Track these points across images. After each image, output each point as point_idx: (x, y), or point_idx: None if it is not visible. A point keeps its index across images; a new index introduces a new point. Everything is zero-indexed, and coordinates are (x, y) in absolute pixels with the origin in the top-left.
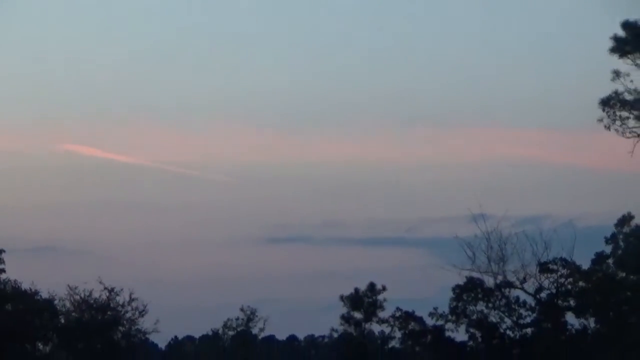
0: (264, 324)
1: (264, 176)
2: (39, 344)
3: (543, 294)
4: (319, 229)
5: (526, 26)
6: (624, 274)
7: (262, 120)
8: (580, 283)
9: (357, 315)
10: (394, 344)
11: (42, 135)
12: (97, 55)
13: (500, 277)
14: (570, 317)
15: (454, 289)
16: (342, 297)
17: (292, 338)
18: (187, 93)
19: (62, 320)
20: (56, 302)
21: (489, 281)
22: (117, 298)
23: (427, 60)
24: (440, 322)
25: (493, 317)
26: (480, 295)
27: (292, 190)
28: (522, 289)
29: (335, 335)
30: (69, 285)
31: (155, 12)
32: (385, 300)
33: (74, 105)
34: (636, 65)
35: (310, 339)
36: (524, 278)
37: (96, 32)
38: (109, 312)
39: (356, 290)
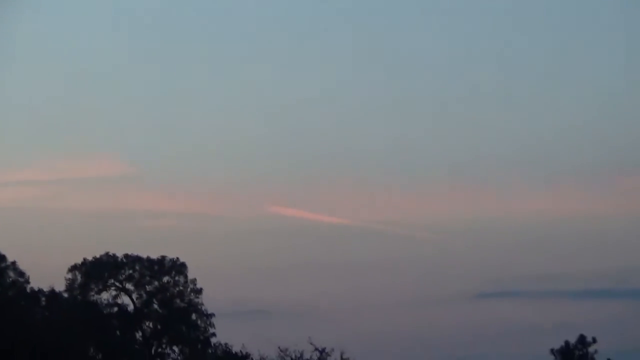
0: None
1: (468, 232)
2: None
3: None
4: (526, 283)
5: None
6: None
7: (465, 178)
8: None
9: None
10: None
11: (247, 198)
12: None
13: None
14: None
15: None
16: (552, 351)
17: None
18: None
19: None
20: None
21: None
22: (328, 358)
23: None
24: None
25: None
26: None
27: (496, 245)
28: None
29: None
30: (279, 347)
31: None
32: (596, 352)
33: (279, 167)
34: None
35: None
36: None
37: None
38: None
39: (566, 343)
